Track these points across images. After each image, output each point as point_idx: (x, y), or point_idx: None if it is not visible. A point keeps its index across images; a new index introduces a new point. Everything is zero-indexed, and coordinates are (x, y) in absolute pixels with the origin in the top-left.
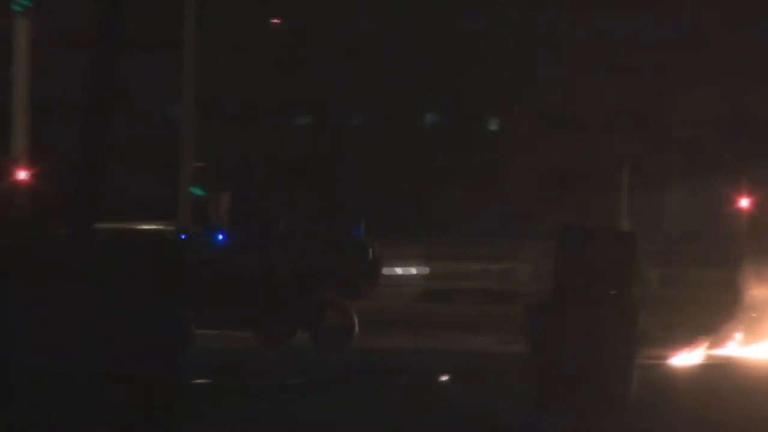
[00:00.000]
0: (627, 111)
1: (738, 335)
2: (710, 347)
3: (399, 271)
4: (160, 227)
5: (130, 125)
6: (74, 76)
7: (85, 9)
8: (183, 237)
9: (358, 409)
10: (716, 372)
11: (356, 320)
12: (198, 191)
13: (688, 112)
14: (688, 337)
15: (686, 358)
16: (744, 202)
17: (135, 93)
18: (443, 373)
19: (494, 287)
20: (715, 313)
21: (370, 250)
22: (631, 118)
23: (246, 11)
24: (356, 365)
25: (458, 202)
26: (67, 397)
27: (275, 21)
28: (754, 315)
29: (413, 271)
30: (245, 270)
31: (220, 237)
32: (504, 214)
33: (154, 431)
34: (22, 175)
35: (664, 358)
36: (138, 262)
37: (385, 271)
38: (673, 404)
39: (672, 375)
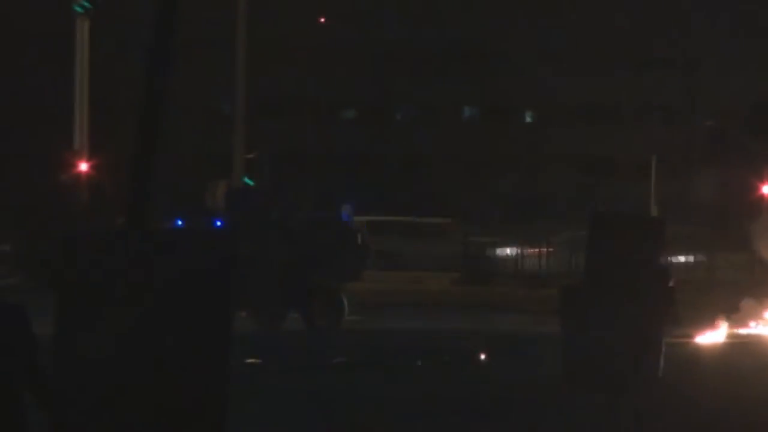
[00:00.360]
0: (656, 103)
1: (761, 314)
2: (734, 326)
3: None
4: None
5: (187, 120)
6: (131, 74)
7: (142, 9)
8: (218, 223)
9: (400, 385)
10: (740, 350)
11: (345, 302)
12: (249, 180)
13: (715, 104)
14: (713, 317)
15: (712, 337)
16: (767, 189)
17: (192, 89)
18: (481, 352)
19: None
20: (739, 294)
21: (358, 236)
22: (660, 109)
23: (295, 11)
24: (393, 345)
25: (496, 189)
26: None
27: (322, 20)
28: None
29: None
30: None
31: (218, 223)
32: (538, 200)
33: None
34: (83, 167)
35: (692, 336)
36: (190, 251)
37: None
38: (700, 380)
39: (699, 353)
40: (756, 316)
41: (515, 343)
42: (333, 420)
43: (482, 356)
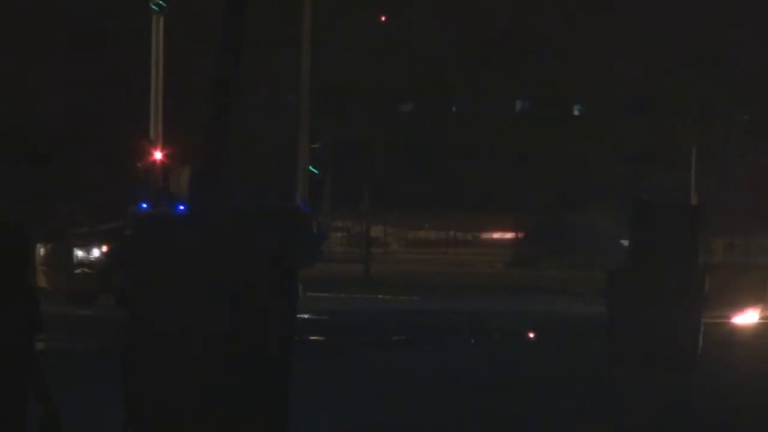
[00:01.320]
0: (696, 95)
1: None
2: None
3: None
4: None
5: (255, 112)
6: (204, 68)
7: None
8: (181, 207)
9: (455, 361)
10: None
11: (299, 286)
12: (314, 169)
13: (752, 96)
14: (749, 298)
15: (747, 318)
16: None
17: (260, 83)
18: (530, 331)
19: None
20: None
21: (314, 224)
22: (699, 102)
23: (356, 8)
24: (446, 324)
25: (544, 179)
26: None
27: (383, 18)
28: None
29: None
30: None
31: (181, 207)
32: (586, 189)
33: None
34: (158, 155)
35: (728, 317)
36: (259, 234)
37: None
38: (736, 358)
39: (735, 332)
40: None
41: (564, 323)
42: (397, 390)
43: (530, 334)
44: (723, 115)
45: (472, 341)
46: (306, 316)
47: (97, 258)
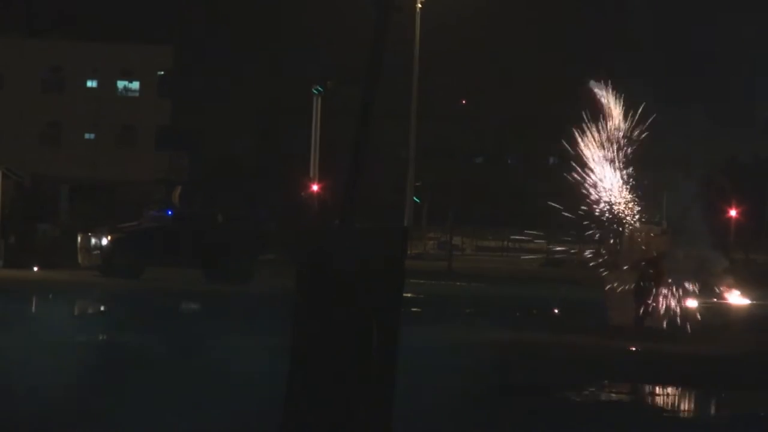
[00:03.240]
0: None
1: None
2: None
3: None
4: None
5: (376, 160)
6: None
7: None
8: (169, 213)
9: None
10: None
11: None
12: (417, 199)
13: None
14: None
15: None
16: None
17: (379, 139)
18: (556, 309)
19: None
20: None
21: (258, 232)
22: None
23: (445, 90)
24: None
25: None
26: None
27: (464, 102)
28: None
29: None
30: (182, 232)
31: (169, 213)
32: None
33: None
34: (315, 188)
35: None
36: (379, 250)
37: None
38: (717, 332)
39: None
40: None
41: (581, 305)
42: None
43: (556, 311)
44: None
45: (517, 314)
46: (409, 295)
47: (104, 244)
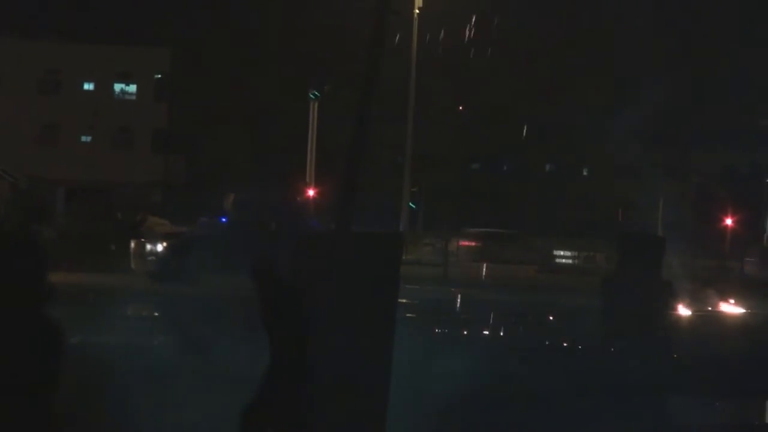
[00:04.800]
0: None
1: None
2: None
3: None
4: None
5: (373, 166)
6: (344, 133)
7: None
8: (223, 219)
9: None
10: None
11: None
12: (413, 205)
13: None
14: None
15: (711, 311)
16: None
17: (377, 143)
18: (551, 315)
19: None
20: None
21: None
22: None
23: (441, 95)
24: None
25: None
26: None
27: (461, 108)
28: None
29: None
30: (235, 239)
31: (223, 220)
32: (585, 226)
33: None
34: (311, 192)
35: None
36: (376, 252)
37: None
38: (696, 340)
39: (695, 323)
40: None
41: (573, 312)
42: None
43: (550, 317)
44: None
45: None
46: (403, 300)
47: (159, 250)
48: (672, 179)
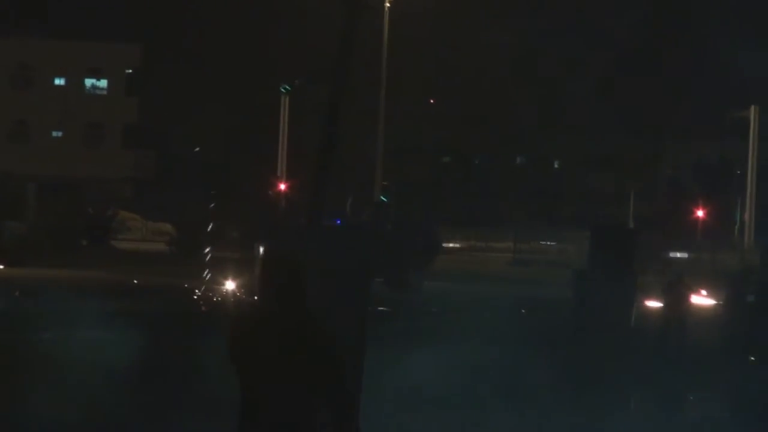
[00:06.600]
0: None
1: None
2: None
3: None
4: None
5: (345, 157)
6: (314, 127)
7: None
8: (338, 221)
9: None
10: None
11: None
12: (384, 198)
13: None
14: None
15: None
16: None
17: (350, 135)
18: (522, 309)
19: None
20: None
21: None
22: None
23: (413, 91)
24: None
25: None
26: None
27: (432, 101)
28: None
29: None
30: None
31: (338, 222)
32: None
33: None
34: (282, 186)
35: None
36: (350, 243)
37: None
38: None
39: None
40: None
41: (544, 304)
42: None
43: (522, 310)
44: None
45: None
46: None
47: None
48: (644, 171)
